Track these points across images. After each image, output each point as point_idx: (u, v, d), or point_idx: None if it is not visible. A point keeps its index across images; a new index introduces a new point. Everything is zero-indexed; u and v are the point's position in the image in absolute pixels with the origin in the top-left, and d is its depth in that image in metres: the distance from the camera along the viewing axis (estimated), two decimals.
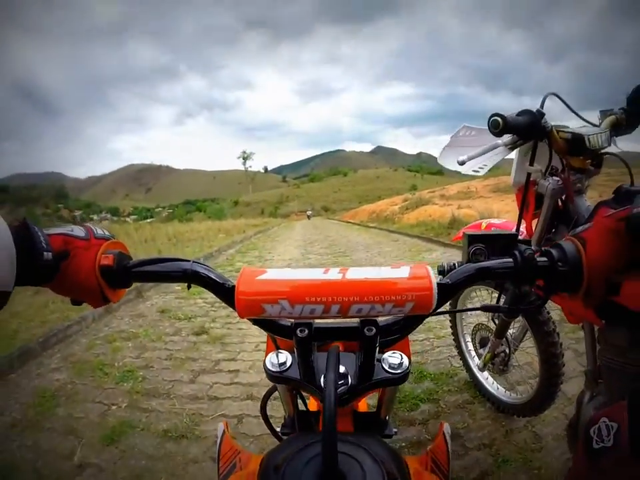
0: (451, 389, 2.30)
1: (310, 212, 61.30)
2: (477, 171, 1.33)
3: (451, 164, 1.34)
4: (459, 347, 2.27)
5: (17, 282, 0.45)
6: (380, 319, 0.49)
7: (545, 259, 0.51)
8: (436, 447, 0.56)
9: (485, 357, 1.84)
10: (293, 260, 7.72)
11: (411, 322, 0.52)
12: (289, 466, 0.42)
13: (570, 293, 0.52)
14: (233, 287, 0.48)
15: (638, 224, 0.48)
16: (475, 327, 2.03)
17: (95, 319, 3.96)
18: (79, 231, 0.53)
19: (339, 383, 0.49)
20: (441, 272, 0.55)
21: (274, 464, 0.44)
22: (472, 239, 0.54)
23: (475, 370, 2.16)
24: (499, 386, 2.06)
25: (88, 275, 0.51)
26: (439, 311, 0.51)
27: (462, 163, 1.21)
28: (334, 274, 0.46)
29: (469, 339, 2.21)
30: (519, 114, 1.20)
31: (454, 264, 0.56)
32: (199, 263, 0.52)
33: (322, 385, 0.49)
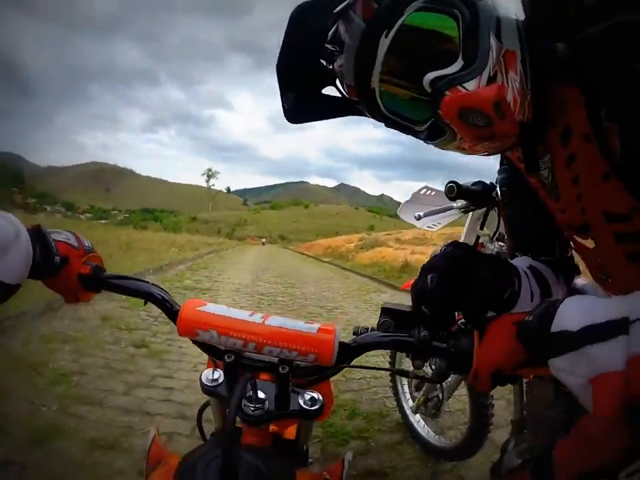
0: (381, 428, 2.37)
1: (264, 240, 68.59)
2: (431, 227, 1.48)
3: (408, 217, 1.48)
4: (394, 388, 2.37)
5: (28, 276, 0.58)
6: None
7: (441, 343, 0.57)
8: (332, 470, 0.63)
9: (418, 400, 1.93)
10: (242, 285, 7.67)
11: (324, 370, 0.61)
12: (198, 463, 0.51)
13: (461, 375, 0.60)
14: (178, 310, 0.59)
15: (525, 332, 0.50)
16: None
17: (34, 316, 3.77)
18: (73, 240, 0.66)
19: (257, 406, 0.57)
20: (355, 333, 0.65)
21: (187, 462, 0.53)
22: (384, 311, 0.64)
23: (408, 412, 2.24)
24: (429, 429, 2.14)
25: (72, 278, 0.64)
26: (347, 364, 0.61)
27: (418, 218, 1.35)
28: (256, 318, 0.57)
29: (405, 381, 2.32)
30: (474, 184, 1.36)
31: (367, 328, 0.65)
32: (156, 285, 0.65)
33: (242, 405, 0.57)
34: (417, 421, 2.21)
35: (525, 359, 0.51)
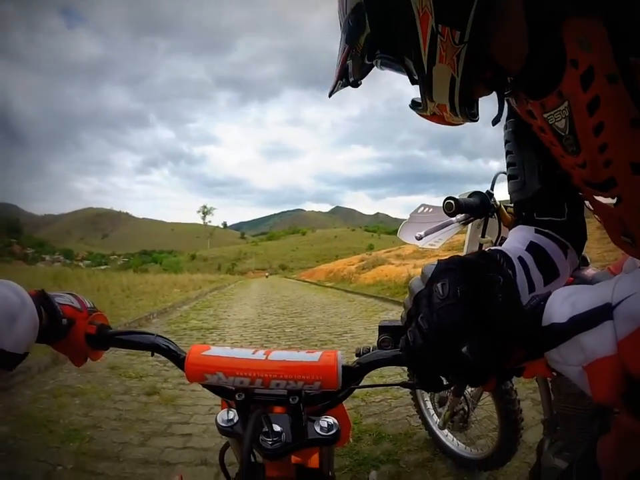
0: (410, 448, 2.31)
1: (267, 274, 73.56)
2: (433, 245, 1.47)
3: (409, 238, 1.48)
4: (417, 406, 2.31)
5: (36, 341, 0.59)
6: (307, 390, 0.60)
7: None
8: None
9: (444, 416, 1.89)
10: (248, 320, 7.60)
11: (335, 394, 0.62)
12: None
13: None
14: (184, 357, 0.60)
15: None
16: None
17: (40, 371, 3.72)
18: (75, 302, 0.67)
19: (274, 439, 0.58)
20: (357, 354, 0.65)
21: None
22: (381, 329, 0.65)
23: (435, 428, 2.19)
24: (459, 442, 2.10)
25: (80, 339, 0.65)
26: (353, 386, 0.63)
27: (419, 238, 1.34)
28: (260, 355, 0.58)
29: (427, 397, 2.26)
30: (471, 195, 1.36)
31: (368, 348, 0.65)
32: (161, 336, 0.67)
33: (259, 441, 0.58)
34: (445, 435, 2.15)
35: (523, 355, 0.49)
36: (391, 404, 3.00)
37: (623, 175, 0.60)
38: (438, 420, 2.05)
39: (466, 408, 1.84)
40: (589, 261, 1.20)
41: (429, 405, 2.25)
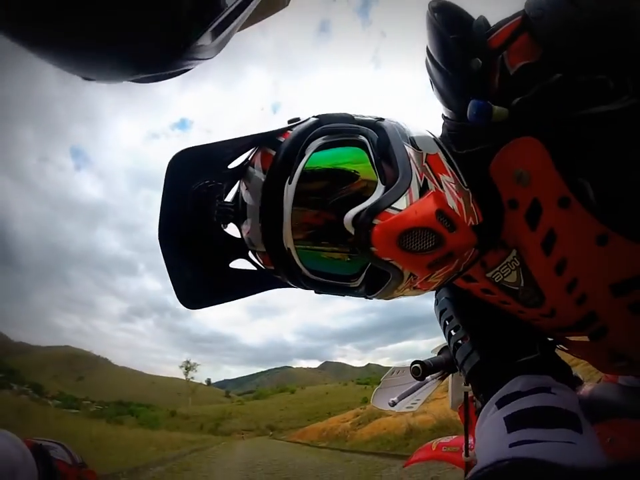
0: None
1: (270, 433, 71.16)
2: (411, 407, 1.36)
3: (384, 405, 1.38)
4: None
5: None
6: None
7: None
8: None
9: None
10: None
11: None
12: None
13: None
14: None
15: None
16: None
17: None
18: (67, 457, 0.69)
19: None
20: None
21: None
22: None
23: None
24: None
25: None
26: None
27: (393, 404, 1.25)
28: None
29: None
30: (441, 351, 1.28)
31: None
32: None
33: None
34: None
35: None
36: None
37: (603, 304, 0.53)
38: None
39: None
40: (582, 379, 1.10)
41: None
